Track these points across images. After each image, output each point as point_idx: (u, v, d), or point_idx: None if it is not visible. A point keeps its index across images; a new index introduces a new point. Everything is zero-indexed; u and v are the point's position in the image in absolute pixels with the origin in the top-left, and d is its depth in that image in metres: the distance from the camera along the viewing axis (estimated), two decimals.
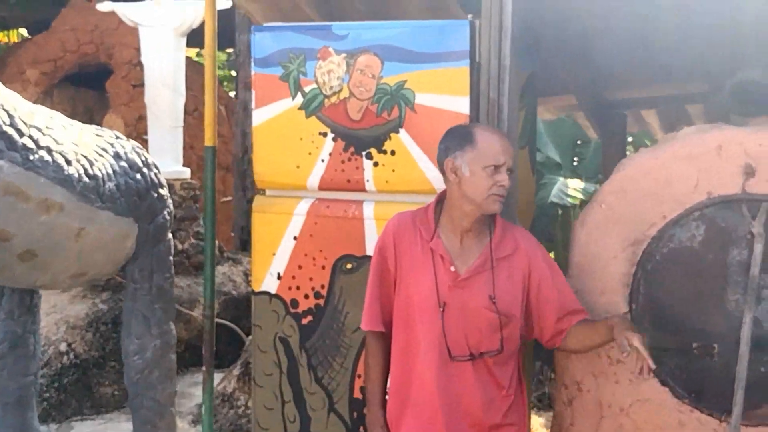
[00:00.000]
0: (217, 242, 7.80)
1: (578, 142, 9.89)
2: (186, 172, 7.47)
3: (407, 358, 3.03)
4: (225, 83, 15.75)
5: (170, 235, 4.92)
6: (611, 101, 5.40)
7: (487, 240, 2.98)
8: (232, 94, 12.83)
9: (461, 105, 3.40)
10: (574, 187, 8.55)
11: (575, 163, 9.92)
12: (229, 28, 9.36)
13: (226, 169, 11.75)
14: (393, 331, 3.09)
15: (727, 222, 3.13)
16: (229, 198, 11.06)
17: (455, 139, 2.97)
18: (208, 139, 4.07)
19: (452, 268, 2.95)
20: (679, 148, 3.19)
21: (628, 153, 6.34)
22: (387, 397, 3.13)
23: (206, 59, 4.08)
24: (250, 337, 5.60)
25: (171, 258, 4.92)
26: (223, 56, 15.90)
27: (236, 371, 6.48)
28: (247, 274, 8.06)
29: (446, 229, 3.01)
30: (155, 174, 4.78)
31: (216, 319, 6.46)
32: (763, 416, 3.11)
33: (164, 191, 4.85)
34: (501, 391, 3.00)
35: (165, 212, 4.84)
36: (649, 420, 3.24)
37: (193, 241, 7.47)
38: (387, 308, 3.10)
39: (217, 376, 6.22)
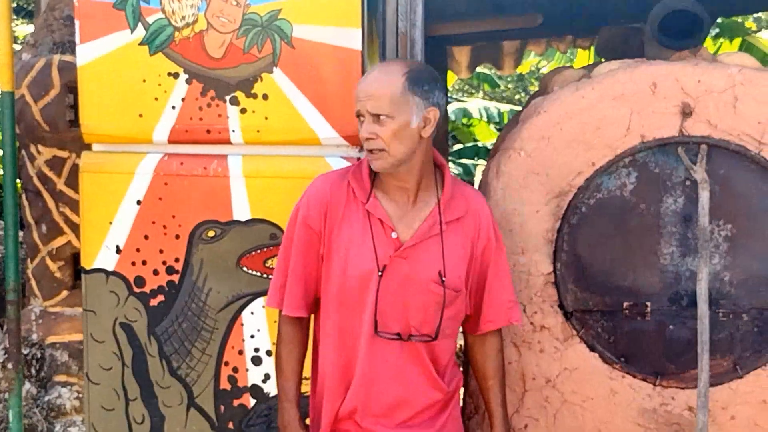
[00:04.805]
0: None
1: None
2: None
3: (347, 341, 2.48)
4: None
5: None
6: (436, 37, 5.03)
7: (434, 200, 2.47)
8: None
9: (352, 38, 2.86)
10: None
11: None
12: None
13: None
14: (322, 313, 2.54)
15: (661, 167, 2.83)
16: None
17: None
18: (5, 84, 3.24)
19: (393, 235, 2.42)
20: (608, 87, 2.82)
21: None
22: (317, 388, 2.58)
23: None
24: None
25: None
26: None
27: None
28: None
29: (384, 187, 2.47)
30: None
31: None
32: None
33: None
34: (429, 383, 2.51)
35: None
36: (577, 390, 2.91)
37: None
38: (312, 289, 2.54)
39: None
